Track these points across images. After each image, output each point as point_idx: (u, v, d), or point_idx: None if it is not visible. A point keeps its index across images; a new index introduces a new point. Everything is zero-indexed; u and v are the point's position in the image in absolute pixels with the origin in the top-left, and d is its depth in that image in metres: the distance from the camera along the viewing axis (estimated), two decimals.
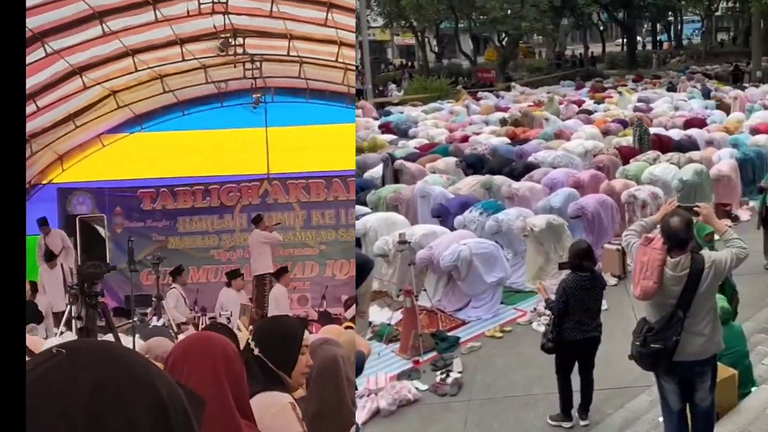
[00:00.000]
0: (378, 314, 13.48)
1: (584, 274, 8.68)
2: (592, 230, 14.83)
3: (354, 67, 18.69)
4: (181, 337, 6.67)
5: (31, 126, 17.30)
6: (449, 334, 12.30)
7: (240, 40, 17.38)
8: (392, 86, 42.77)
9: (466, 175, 19.19)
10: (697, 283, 6.76)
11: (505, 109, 30.67)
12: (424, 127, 28.05)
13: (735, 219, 16.99)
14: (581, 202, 15.22)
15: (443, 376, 10.72)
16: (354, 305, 17.11)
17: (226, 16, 16.69)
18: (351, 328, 11.23)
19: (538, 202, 15.94)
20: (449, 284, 13.55)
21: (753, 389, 8.75)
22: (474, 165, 20.02)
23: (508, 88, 41.43)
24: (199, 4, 15.95)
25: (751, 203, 17.94)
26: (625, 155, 19.90)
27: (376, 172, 20.27)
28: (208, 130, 20.07)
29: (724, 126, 23.09)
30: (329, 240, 20.15)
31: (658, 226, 7.20)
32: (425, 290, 13.25)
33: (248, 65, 18.46)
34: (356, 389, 5.67)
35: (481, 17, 48.59)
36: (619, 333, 10.64)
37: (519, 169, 18.99)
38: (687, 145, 20.31)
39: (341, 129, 19.73)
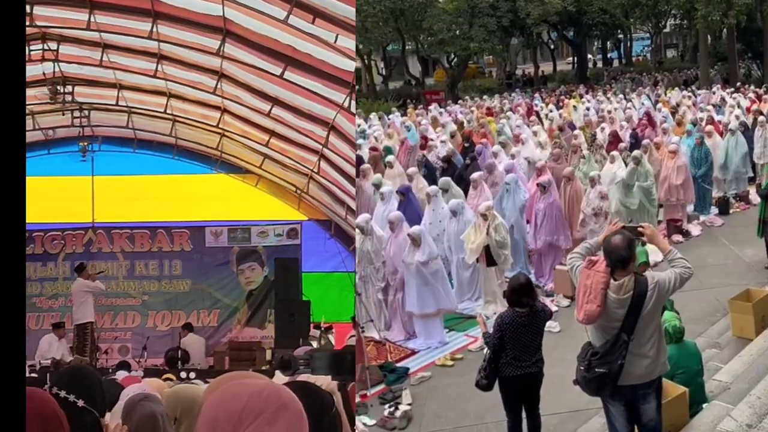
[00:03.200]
0: None
1: (521, 310, 8.24)
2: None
3: (184, 119, 18.59)
4: None
5: None
6: (398, 365, 11.91)
7: (69, 88, 16.99)
8: None
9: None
10: (641, 306, 6.62)
11: (458, 122, 29.03)
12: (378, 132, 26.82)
13: (686, 234, 16.97)
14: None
15: (392, 409, 10.34)
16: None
17: (56, 63, 16.33)
18: (171, 380, 11.06)
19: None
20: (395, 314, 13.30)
21: (704, 406, 8.59)
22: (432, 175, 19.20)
23: (456, 101, 40.41)
24: (29, 50, 15.54)
25: (702, 218, 18.21)
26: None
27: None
28: (34, 177, 19.22)
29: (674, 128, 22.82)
30: (152, 291, 19.87)
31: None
32: (372, 321, 12.89)
33: (76, 113, 17.99)
34: None
35: (429, 39, 47.44)
36: (572, 355, 10.12)
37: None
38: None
39: (167, 180, 19.67)
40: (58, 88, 16.93)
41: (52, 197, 19.50)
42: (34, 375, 14.34)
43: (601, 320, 6.73)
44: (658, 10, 49.26)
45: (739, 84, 35.85)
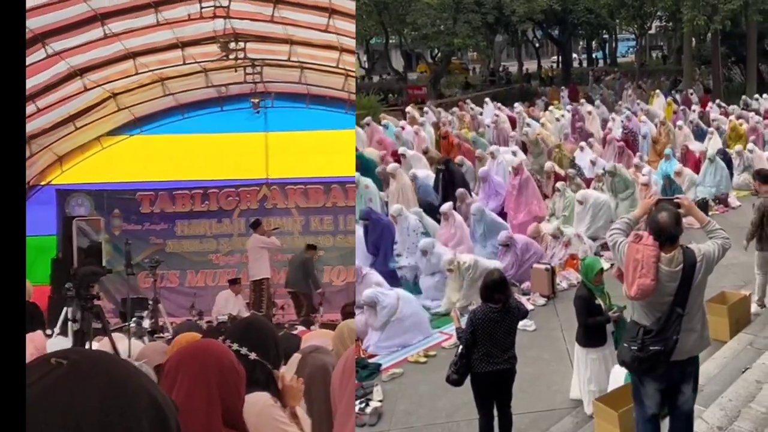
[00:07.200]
0: None
1: (495, 306, 8.13)
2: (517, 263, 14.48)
3: (354, 74, 18.17)
4: None
5: (31, 127, 16.96)
6: (370, 361, 11.72)
7: (241, 45, 16.91)
8: None
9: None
10: (692, 278, 6.52)
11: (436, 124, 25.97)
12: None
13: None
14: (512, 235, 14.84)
15: (362, 405, 10.14)
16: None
17: (227, 20, 16.24)
18: None
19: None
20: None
21: None
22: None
23: (439, 96, 40.33)
24: (201, 7, 15.47)
25: None
26: None
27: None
28: (207, 134, 19.79)
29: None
30: (327, 246, 19.78)
31: (641, 222, 7.15)
32: None
33: (249, 70, 17.98)
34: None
35: (413, 33, 46.86)
36: (547, 355, 10.69)
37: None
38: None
39: (341, 135, 19.42)
40: (230, 44, 16.84)
41: (225, 154, 19.69)
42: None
43: (651, 296, 6.56)
44: (644, 11, 47.80)
45: (717, 101, 33.61)
